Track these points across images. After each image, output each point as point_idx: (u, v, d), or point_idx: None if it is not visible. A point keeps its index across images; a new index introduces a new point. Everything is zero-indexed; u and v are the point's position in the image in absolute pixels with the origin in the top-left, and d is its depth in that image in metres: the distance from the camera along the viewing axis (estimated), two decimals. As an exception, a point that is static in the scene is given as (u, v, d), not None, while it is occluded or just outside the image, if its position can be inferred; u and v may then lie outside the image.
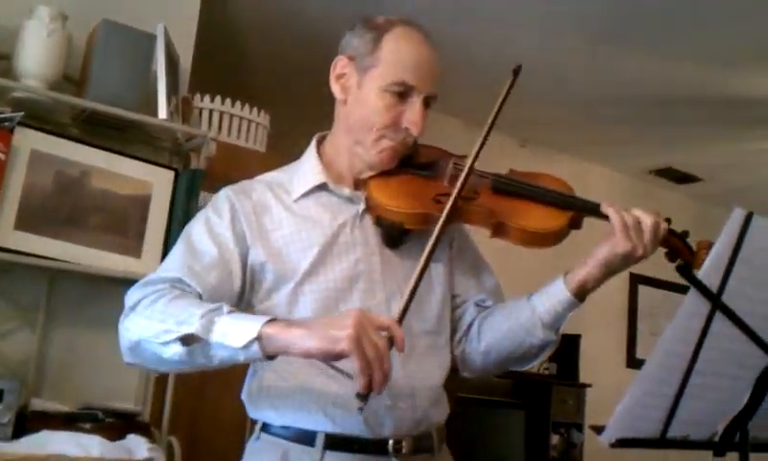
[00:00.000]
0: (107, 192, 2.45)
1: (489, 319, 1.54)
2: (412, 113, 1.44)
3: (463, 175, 1.42)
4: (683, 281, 1.14)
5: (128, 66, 2.47)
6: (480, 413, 4.87)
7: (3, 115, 2.26)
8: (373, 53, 1.44)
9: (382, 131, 1.44)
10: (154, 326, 1.24)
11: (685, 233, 1.49)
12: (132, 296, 1.32)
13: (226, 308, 1.23)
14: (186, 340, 1.20)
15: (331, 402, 1.34)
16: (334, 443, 1.34)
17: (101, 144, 2.49)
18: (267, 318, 1.20)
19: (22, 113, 2.29)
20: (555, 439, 5.02)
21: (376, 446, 1.35)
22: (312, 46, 3.95)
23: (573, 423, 5.08)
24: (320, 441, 1.34)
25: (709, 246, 1.43)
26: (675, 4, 3.50)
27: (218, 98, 2.92)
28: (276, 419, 1.39)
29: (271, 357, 1.20)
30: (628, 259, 1.39)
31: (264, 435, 1.41)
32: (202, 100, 2.90)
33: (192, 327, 1.19)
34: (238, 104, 2.95)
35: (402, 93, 1.43)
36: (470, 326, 1.56)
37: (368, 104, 1.44)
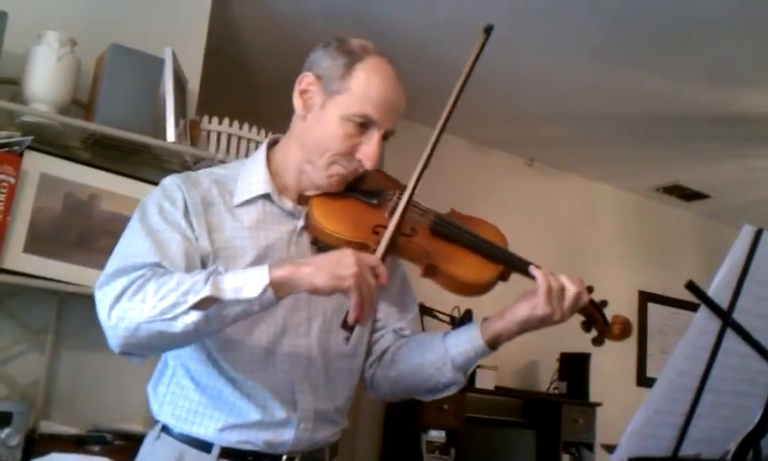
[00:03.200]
0: (115, 215, 2.46)
1: (403, 349, 1.56)
2: (369, 147, 1.44)
3: (400, 207, 1.42)
4: (693, 299, 1.13)
5: (136, 90, 2.48)
6: (490, 433, 4.84)
7: (13, 139, 2.28)
8: (343, 79, 1.44)
9: (335, 157, 1.44)
10: (156, 304, 1.21)
11: (603, 303, 1.51)
12: (112, 285, 1.27)
13: (221, 268, 1.26)
14: (200, 306, 1.20)
15: (231, 422, 1.37)
16: (229, 453, 1.37)
17: (110, 167, 2.51)
18: (269, 264, 1.25)
19: (32, 137, 2.31)
20: (566, 458, 4.98)
21: (270, 459, 1.39)
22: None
23: (584, 442, 5.03)
24: (215, 450, 1.37)
25: (624, 321, 1.50)
26: (681, 21, 3.50)
27: (226, 120, 2.93)
28: (176, 426, 1.41)
29: (281, 298, 1.25)
30: (544, 322, 1.42)
31: (164, 435, 1.43)
32: (209, 122, 2.92)
33: (203, 292, 1.20)
34: (246, 126, 2.96)
35: (363, 124, 1.43)
36: (385, 352, 1.59)
37: (327, 128, 1.43)
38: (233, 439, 1.37)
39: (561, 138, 5.22)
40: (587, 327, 1.51)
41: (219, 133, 2.94)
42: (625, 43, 3.77)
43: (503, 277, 1.49)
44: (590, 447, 5.03)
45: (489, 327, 1.46)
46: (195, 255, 1.36)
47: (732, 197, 5.93)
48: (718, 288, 1.14)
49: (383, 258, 1.34)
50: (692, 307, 1.15)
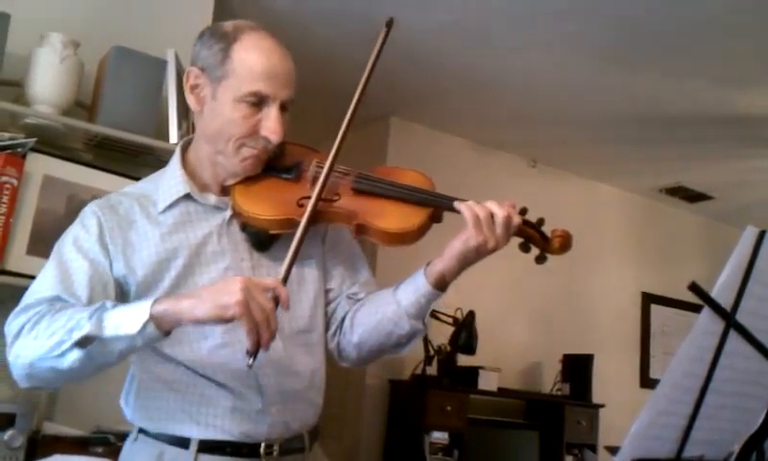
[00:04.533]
0: (118, 216, 2.46)
1: (360, 312, 1.56)
2: (269, 122, 1.43)
3: (321, 178, 1.43)
4: (696, 300, 1.13)
5: (139, 92, 2.49)
6: (493, 434, 4.84)
7: (16, 141, 2.28)
8: (224, 64, 1.43)
9: (241, 140, 1.44)
10: (44, 342, 1.24)
11: (540, 221, 1.50)
12: (13, 324, 1.31)
13: (109, 304, 1.26)
14: (82, 343, 1.22)
15: (204, 412, 1.39)
16: (207, 447, 1.38)
17: (113, 169, 2.51)
18: (153, 299, 1.24)
19: (35, 139, 2.31)
20: (569, 460, 4.98)
21: (249, 449, 1.40)
22: (319, 66, 3.98)
23: (587, 443, 5.03)
24: (193, 445, 1.39)
25: (563, 234, 1.49)
26: (684, 23, 3.50)
27: (228, 122, 2.93)
28: (151, 427, 1.43)
29: (168, 333, 1.25)
30: (481, 251, 1.42)
31: (141, 436, 1.45)
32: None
33: (84, 329, 1.21)
34: (248, 127, 2.96)
35: (257, 102, 1.42)
36: (344, 319, 1.59)
37: (223, 115, 1.43)
38: (209, 432, 1.38)
39: (563, 139, 5.22)
40: (525, 247, 1.51)
41: (222, 135, 2.93)
42: (628, 44, 3.77)
43: (435, 218, 1.49)
44: (594, 448, 5.03)
45: (431, 269, 1.46)
46: (104, 282, 1.38)
47: (735, 198, 5.93)
48: (721, 289, 1.14)
49: (288, 271, 1.35)
50: (695, 309, 1.15)
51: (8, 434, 2.10)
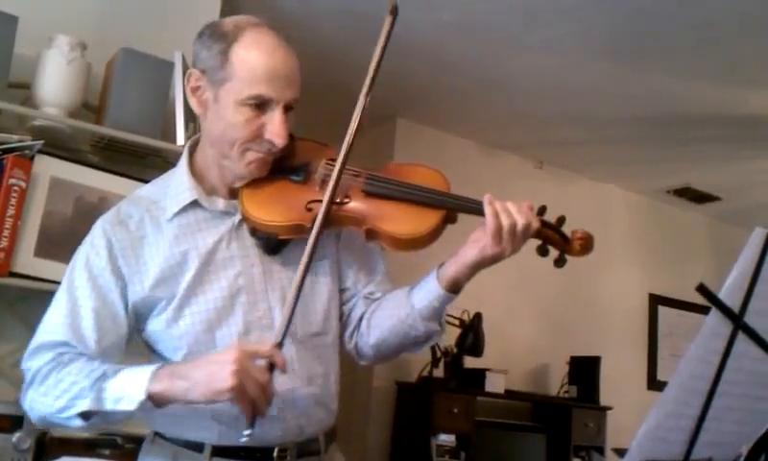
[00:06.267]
0: (125, 218, 2.46)
1: (375, 313, 1.54)
2: (273, 125, 1.39)
3: (331, 184, 1.38)
4: (704, 302, 1.13)
5: (146, 93, 2.49)
6: (500, 437, 4.83)
7: (23, 143, 2.28)
8: (224, 67, 1.38)
9: (245, 144, 1.41)
10: (52, 403, 1.31)
11: (561, 221, 1.46)
12: (27, 365, 1.38)
13: (110, 371, 1.29)
14: (85, 415, 1.29)
15: (216, 420, 1.38)
16: (220, 451, 1.39)
17: (120, 171, 2.51)
18: (152, 371, 1.27)
19: (42, 141, 2.32)
20: (576, 462, 4.97)
21: (262, 453, 1.39)
22: (325, 64, 3.98)
23: (594, 446, 5.02)
24: (207, 450, 1.39)
25: (585, 235, 1.43)
26: (691, 21, 3.49)
27: (235, 123, 2.94)
28: (166, 431, 1.44)
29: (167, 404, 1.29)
30: (496, 260, 1.40)
31: (158, 439, 1.46)
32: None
33: (85, 403, 1.27)
34: (255, 129, 2.97)
35: (260, 105, 1.38)
36: (360, 320, 1.57)
37: (226, 118, 1.39)
38: (223, 437, 1.38)
39: (570, 140, 5.21)
40: (542, 250, 1.45)
41: (228, 137, 2.94)
42: (635, 44, 3.76)
43: (449, 220, 1.44)
44: (601, 450, 5.02)
45: (445, 273, 1.43)
46: (112, 315, 1.40)
47: (743, 199, 5.91)
48: (729, 291, 1.14)
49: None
50: (703, 310, 1.15)
51: (16, 436, 2.10)
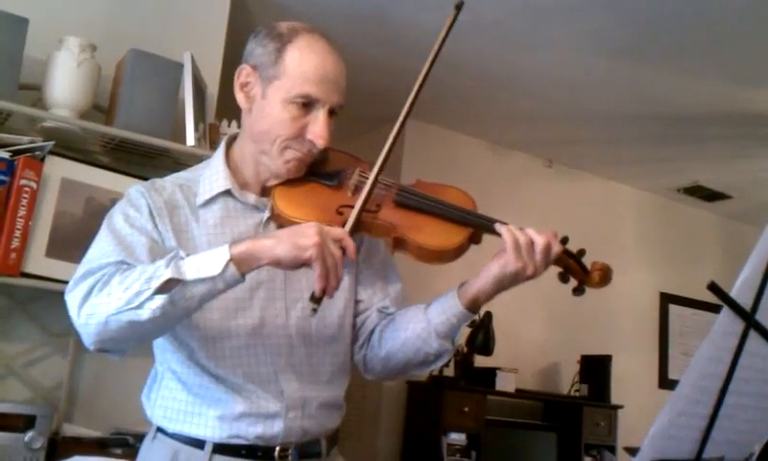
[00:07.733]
0: (136, 219, 2.47)
1: (389, 326, 1.55)
2: (316, 126, 1.43)
3: (365, 190, 1.42)
4: (715, 300, 1.12)
5: (156, 94, 2.50)
6: (511, 435, 4.83)
7: (34, 144, 2.30)
8: (276, 64, 1.43)
9: (287, 142, 1.44)
10: (121, 296, 1.22)
11: (581, 253, 1.49)
12: (78, 289, 1.28)
13: (182, 253, 1.26)
14: (163, 289, 1.20)
15: (219, 417, 1.38)
16: (221, 449, 1.38)
17: (130, 171, 2.53)
18: (228, 243, 1.25)
19: (53, 142, 2.33)
20: (587, 461, 4.96)
21: (263, 451, 1.39)
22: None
23: (605, 445, 5.01)
24: (208, 446, 1.38)
25: (603, 267, 1.48)
26: (700, 20, 3.47)
27: (244, 124, 2.94)
28: (168, 426, 1.43)
29: (244, 276, 1.25)
30: (519, 277, 1.41)
31: (159, 435, 1.45)
32: (229, 126, 2.93)
33: (165, 275, 1.20)
34: (264, 129, 2.97)
35: (306, 104, 1.42)
36: (372, 332, 1.57)
37: (272, 115, 1.43)
38: (224, 434, 1.38)
39: (580, 139, 5.19)
40: (563, 278, 1.50)
41: (238, 137, 2.95)
42: (645, 42, 3.75)
43: (474, 239, 1.47)
44: (612, 449, 5.01)
45: (466, 290, 1.45)
46: (161, 254, 1.35)
47: (753, 197, 5.88)
48: (741, 289, 1.13)
49: (351, 233, 1.35)
50: (714, 309, 1.14)
51: (28, 435, 2.12)
